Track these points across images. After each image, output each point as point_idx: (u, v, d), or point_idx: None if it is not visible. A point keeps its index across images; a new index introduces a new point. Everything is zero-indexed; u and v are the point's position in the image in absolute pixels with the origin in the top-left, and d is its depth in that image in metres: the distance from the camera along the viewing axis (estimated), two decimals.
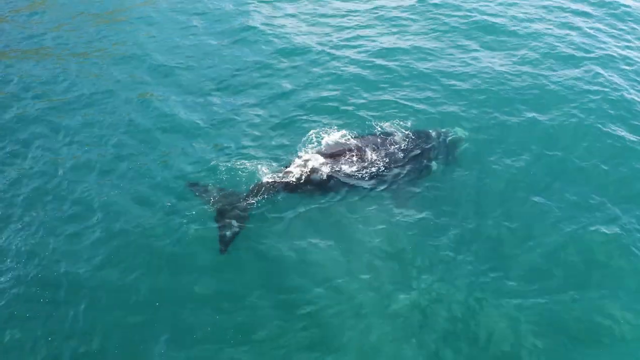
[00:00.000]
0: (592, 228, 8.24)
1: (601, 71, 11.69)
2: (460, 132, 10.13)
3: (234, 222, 8.09)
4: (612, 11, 14.20)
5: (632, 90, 11.18)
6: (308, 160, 9.06)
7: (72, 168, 9.44)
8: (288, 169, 8.96)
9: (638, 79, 11.63)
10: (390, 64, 12.26)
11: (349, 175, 8.99)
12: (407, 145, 9.64)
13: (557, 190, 8.95)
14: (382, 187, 8.97)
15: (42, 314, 7.17)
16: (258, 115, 10.68)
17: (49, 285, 7.51)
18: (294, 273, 7.65)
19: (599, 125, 10.18)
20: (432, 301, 7.27)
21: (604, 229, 8.21)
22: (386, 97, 11.20)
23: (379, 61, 12.37)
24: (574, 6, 14.54)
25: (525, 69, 11.91)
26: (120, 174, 9.28)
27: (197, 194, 8.69)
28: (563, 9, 14.44)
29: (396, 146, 9.56)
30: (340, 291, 7.42)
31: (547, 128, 10.18)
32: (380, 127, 10.10)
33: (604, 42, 12.86)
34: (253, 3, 15.04)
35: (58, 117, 10.74)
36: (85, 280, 7.54)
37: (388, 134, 9.85)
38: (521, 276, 7.64)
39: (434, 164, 9.55)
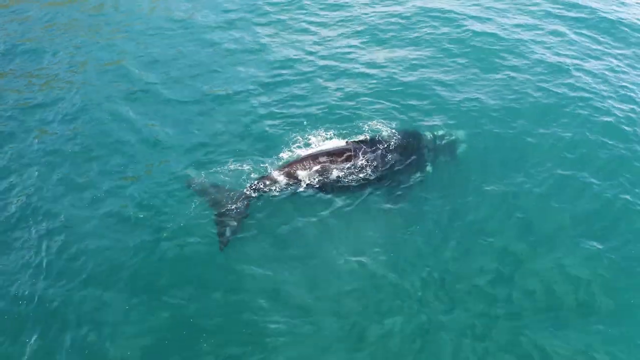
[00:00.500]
0: (581, 249, 8.06)
1: (591, 81, 11.53)
2: (456, 135, 10.04)
3: (233, 221, 8.14)
4: (605, 21, 13.99)
5: (623, 102, 10.97)
6: (299, 162, 9.01)
7: (48, 182, 9.30)
8: (278, 171, 8.92)
9: (631, 88, 11.42)
10: (379, 72, 12.15)
11: (338, 179, 8.91)
12: (400, 148, 9.47)
13: (544, 205, 8.79)
14: (373, 195, 8.89)
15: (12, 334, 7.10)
16: (245, 121, 10.64)
17: (22, 302, 7.44)
18: (267, 295, 7.52)
19: (589, 136, 10.03)
20: (408, 331, 7.06)
21: (592, 249, 8.05)
22: (376, 102, 11.10)
23: (367, 70, 12.27)
24: (566, 14, 14.35)
25: (516, 76, 11.76)
26: (99, 186, 9.19)
27: (195, 191, 8.72)
28: (555, 17, 14.26)
29: (387, 149, 9.36)
30: (320, 315, 7.26)
31: (542, 138, 10.03)
32: (371, 129, 10.01)
33: (596, 52, 12.71)
34: (240, 15, 14.83)
35: (37, 129, 10.63)
36: (64, 299, 7.46)
37: (379, 137, 9.68)
38: (506, 302, 7.45)
39: (428, 168, 9.42)
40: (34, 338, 6.99)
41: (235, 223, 8.19)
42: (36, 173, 9.46)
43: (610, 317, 7.19)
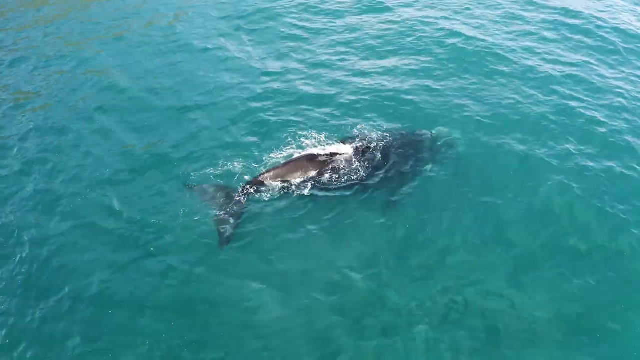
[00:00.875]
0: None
1: (583, 90, 11.42)
2: (447, 143, 9.96)
3: (232, 219, 8.28)
4: (598, 28, 13.90)
5: (615, 111, 10.83)
6: (290, 163, 9.00)
7: (26, 193, 9.13)
8: (269, 172, 8.91)
9: (625, 96, 11.29)
10: (370, 79, 12.12)
11: (329, 182, 8.92)
12: (391, 153, 9.44)
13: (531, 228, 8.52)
14: (362, 201, 8.79)
15: None
16: (235, 126, 10.61)
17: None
18: (248, 307, 7.34)
19: (581, 147, 9.86)
20: (390, 346, 6.85)
21: (583, 267, 7.85)
22: (367, 108, 11.11)
23: (358, 76, 12.26)
24: (559, 20, 14.32)
25: (508, 84, 11.69)
26: (82, 197, 9.03)
27: (195, 194, 8.79)
28: (548, 23, 14.22)
29: (379, 154, 9.37)
30: (299, 330, 7.06)
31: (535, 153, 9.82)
32: (361, 133, 10.00)
33: (589, 60, 12.62)
34: (230, 23, 14.78)
35: (18, 137, 10.52)
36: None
37: (371, 141, 9.66)
38: (494, 316, 7.23)
39: (421, 174, 9.33)
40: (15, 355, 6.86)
41: (233, 221, 8.32)
42: (15, 182, 9.35)
43: (600, 335, 7.00)
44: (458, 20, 14.37)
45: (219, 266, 7.87)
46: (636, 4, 15.51)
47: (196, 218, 8.47)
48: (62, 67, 12.90)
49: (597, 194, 8.89)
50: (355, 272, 7.76)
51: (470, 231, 8.37)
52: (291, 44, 13.60)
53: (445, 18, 14.46)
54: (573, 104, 10.95)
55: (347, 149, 9.35)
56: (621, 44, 13.15)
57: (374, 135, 9.87)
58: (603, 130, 10.23)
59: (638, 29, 13.90)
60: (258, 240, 8.26)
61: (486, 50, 12.81)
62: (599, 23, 14.03)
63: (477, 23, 14.24)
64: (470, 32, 13.64)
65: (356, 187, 8.96)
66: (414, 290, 7.52)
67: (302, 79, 12.15)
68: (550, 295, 7.44)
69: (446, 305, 7.34)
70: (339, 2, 15.69)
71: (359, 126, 10.30)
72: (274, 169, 8.97)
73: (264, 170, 9.04)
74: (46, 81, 12.40)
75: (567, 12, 14.65)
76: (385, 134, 9.89)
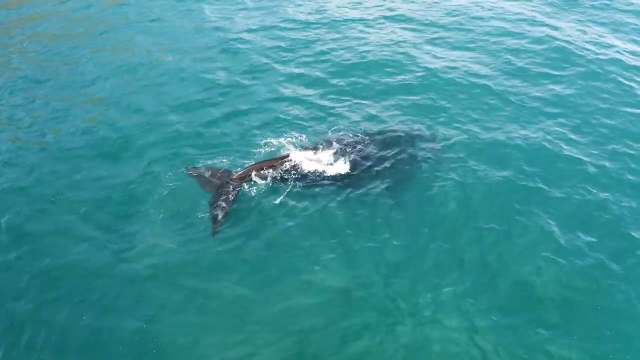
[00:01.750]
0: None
1: (572, 116, 11.37)
2: (446, 132, 10.31)
3: (223, 204, 8.78)
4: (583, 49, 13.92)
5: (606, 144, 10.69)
6: (273, 160, 9.40)
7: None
8: (253, 167, 9.30)
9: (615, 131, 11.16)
10: (357, 77, 12.58)
11: (315, 179, 9.19)
12: (389, 147, 9.73)
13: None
14: (345, 200, 8.95)
15: None
16: (217, 126, 10.93)
17: None
18: (229, 310, 7.42)
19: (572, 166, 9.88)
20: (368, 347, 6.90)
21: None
22: (357, 102, 11.55)
23: (347, 73, 12.75)
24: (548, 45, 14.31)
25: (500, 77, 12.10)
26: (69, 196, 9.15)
27: (194, 177, 9.26)
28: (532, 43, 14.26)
29: (363, 153, 9.61)
30: (281, 333, 7.14)
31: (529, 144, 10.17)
32: (345, 133, 10.24)
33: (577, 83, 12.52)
34: (213, 20, 15.10)
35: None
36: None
37: (369, 135, 9.99)
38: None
39: (418, 166, 9.53)
40: None
41: (225, 206, 8.77)
42: None
43: None
44: (435, 39, 14.51)
45: (199, 269, 7.97)
46: (625, 33, 15.57)
47: (167, 235, 8.49)
48: (40, 87, 12.68)
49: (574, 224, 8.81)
50: (336, 273, 7.87)
51: (454, 239, 8.38)
52: (273, 56, 13.67)
53: (425, 37, 14.61)
54: (557, 137, 10.71)
55: (328, 152, 9.55)
56: (614, 73, 12.95)
57: (353, 137, 10.06)
58: (589, 168, 9.98)
59: (635, 59, 13.86)
60: (237, 238, 8.43)
61: (466, 71, 12.86)
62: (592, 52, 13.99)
63: (457, 43, 14.32)
64: (447, 53, 13.73)
65: (336, 188, 9.14)
66: (397, 290, 7.62)
67: (286, 85, 12.33)
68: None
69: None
70: (322, 15, 15.91)
71: (333, 129, 10.56)
72: (259, 163, 9.33)
73: (252, 164, 9.37)
74: (18, 101, 12.19)
75: (557, 30, 14.67)
76: (365, 137, 10.08)
